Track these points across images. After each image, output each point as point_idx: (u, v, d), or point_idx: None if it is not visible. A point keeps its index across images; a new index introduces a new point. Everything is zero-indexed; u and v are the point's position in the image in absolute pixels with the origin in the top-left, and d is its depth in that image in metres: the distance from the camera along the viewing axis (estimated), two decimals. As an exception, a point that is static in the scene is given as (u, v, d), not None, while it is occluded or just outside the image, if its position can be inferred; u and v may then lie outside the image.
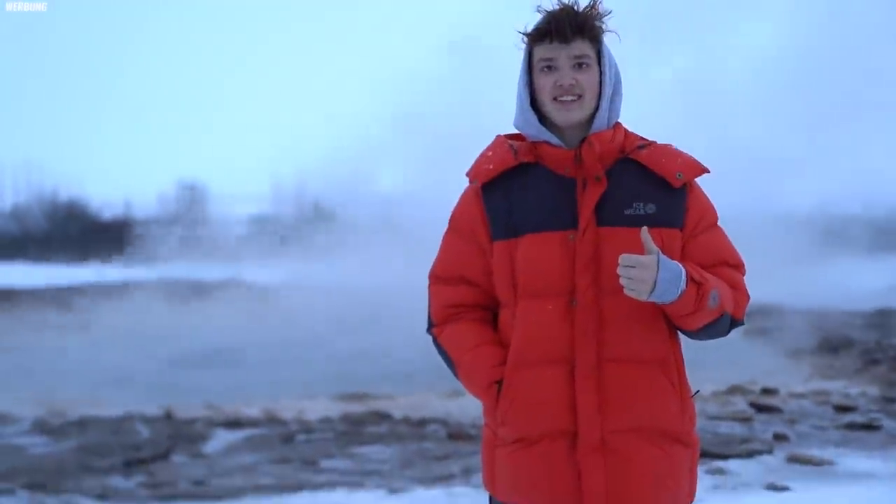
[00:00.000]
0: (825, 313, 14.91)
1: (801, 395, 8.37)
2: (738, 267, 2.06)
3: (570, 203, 1.96)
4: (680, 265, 1.87)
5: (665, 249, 1.92)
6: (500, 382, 1.99)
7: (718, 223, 2.07)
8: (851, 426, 6.75)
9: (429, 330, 2.14)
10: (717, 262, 2.01)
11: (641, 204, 1.96)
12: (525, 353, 1.96)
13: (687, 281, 1.86)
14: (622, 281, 1.85)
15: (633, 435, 1.94)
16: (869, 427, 6.68)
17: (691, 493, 2.04)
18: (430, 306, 2.14)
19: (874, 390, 8.65)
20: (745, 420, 7.14)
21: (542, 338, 1.95)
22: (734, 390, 8.73)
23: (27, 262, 32.41)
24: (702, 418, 7.13)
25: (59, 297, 20.12)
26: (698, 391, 2.08)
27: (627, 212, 1.95)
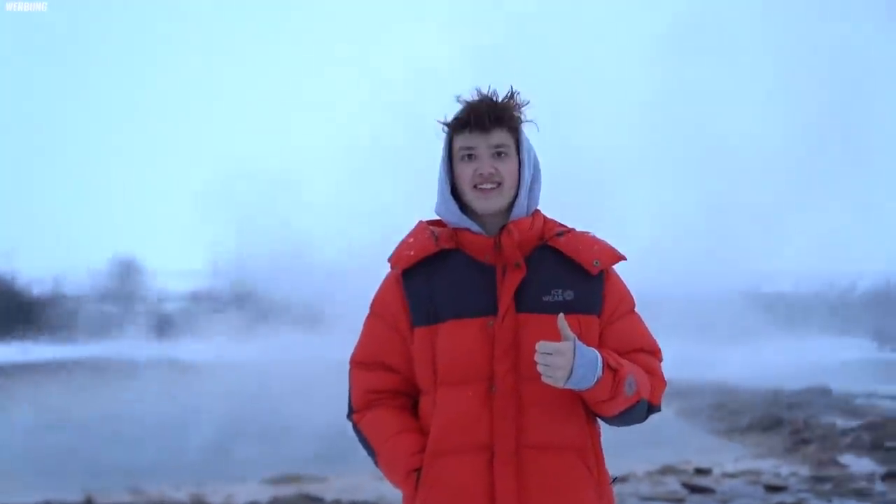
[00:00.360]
0: (755, 391, 15.12)
1: (732, 475, 8.39)
2: (655, 353, 2.08)
3: (490, 289, 1.97)
4: (596, 352, 1.88)
5: (583, 336, 1.94)
6: (418, 471, 1.97)
7: (635, 309, 2.09)
8: (782, 506, 6.77)
9: (349, 416, 2.12)
10: (634, 349, 2.03)
11: (560, 290, 1.97)
12: (444, 441, 1.94)
13: (603, 367, 1.87)
14: (539, 368, 1.85)
15: None
16: (799, 507, 6.71)
17: None
18: (350, 392, 2.12)
19: (804, 470, 8.72)
20: (678, 501, 7.12)
21: (461, 425, 1.93)
22: (667, 470, 8.72)
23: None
24: (634, 499, 7.10)
25: (-19, 376, 19.41)
26: (616, 479, 2.07)
27: (546, 298, 1.96)
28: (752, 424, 11.87)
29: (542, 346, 1.85)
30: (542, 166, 2.10)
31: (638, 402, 1.95)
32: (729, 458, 9.78)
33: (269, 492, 8.38)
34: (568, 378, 1.84)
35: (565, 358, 1.83)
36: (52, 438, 12.59)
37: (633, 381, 1.92)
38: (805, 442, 10.48)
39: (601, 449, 2.03)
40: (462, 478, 1.92)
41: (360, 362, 2.09)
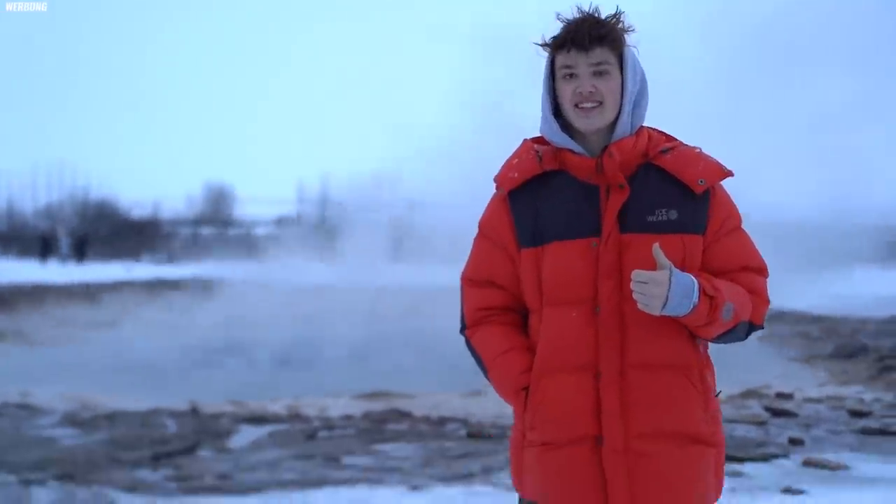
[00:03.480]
0: (839, 319, 14.79)
1: (816, 400, 8.27)
2: (761, 271, 2.04)
3: (594, 210, 1.96)
4: (693, 278, 1.88)
5: (687, 255, 1.93)
6: (527, 388, 2.01)
7: (742, 226, 2.05)
8: (866, 431, 6.66)
9: (462, 331, 2.16)
10: (738, 267, 2.00)
11: (664, 210, 1.95)
12: (550, 360, 1.97)
13: (699, 294, 1.87)
14: (635, 296, 1.86)
15: (657, 438, 1.94)
16: (884, 432, 6.59)
17: (718, 492, 2.04)
18: (462, 308, 2.16)
19: (889, 396, 8.54)
20: (761, 423, 7.07)
21: (566, 345, 1.96)
22: (749, 394, 8.65)
23: (59, 260, 32.63)
24: (717, 421, 7.08)
25: (90, 293, 20.27)
26: (721, 392, 2.08)
27: (650, 218, 1.94)
28: (836, 352, 11.65)
29: (637, 274, 1.85)
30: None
31: (736, 325, 1.95)
32: (811, 384, 9.65)
33: (360, 406, 8.62)
34: (663, 306, 1.84)
35: (661, 286, 1.83)
36: (157, 351, 13.17)
37: (731, 306, 1.91)
38: (889, 369, 10.23)
39: (707, 364, 2.03)
40: (568, 396, 1.95)
41: (471, 279, 2.13)
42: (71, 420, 7.51)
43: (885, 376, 9.92)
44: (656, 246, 1.87)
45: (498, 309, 2.09)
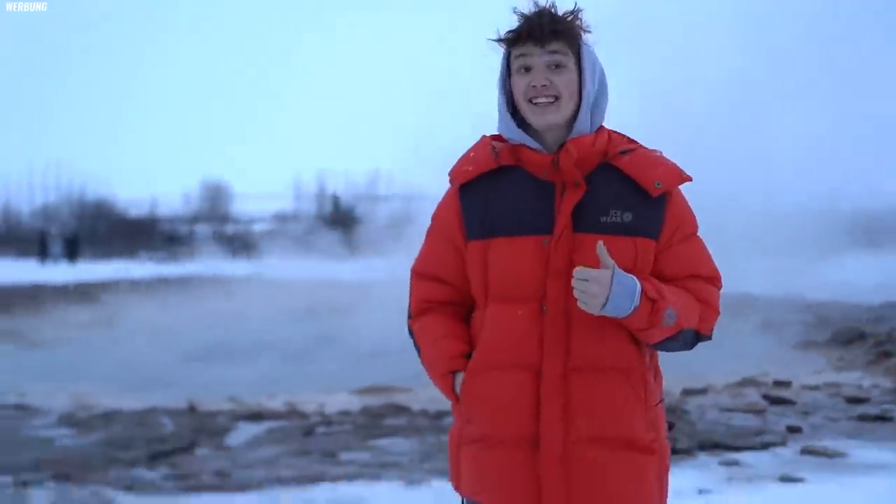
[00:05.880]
0: (834, 306, 14.75)
1: (813, 387, 8.25)
2: (712, 279, 2.00)
3: (548, 208, 1.91)
4: (636, 280, 1.83)
5: (639, 259, 1.89)
6: (455, 373, 1.97)
7: (697, 233, 2.01)
8: (864, 417, 6.64)
9: (407, 321, 2.14)
10: (689, 275, 1.96)
11: (619, 211, 1.90)
12: (492, 356, 1.93)
13: (641, 297, 1.82)
14: (575, 293, 1.81)
15: (596, 444, 1.89)
16: (882, 418, 6.57)
17: (662, 502, 1.99)
18: (409, 299, 2.14)
19: (887, 382, 8.52)
20: (759, 412, 7.04)
21: (509, 342, 1.91)
22: (746, 382, 8.63)
23: (52, 260, 32.53)
24: (715, 410, 7.06)
25: (87, 292, 20.20)
26: (661, 400, 2.01)
27: (604, 219, 1.90)
28: (833, 338, 11.61)
29: (579, 272, 1.80)
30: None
31: (679, 332, 1.89)
32: (808, 372, 9.62)
33: (358, 402, 8.58)
34: (603, 306, 1.80)
35: (601, 286, 1.78)
36: (154, 349, 13.11)
37: (674, 313, 1.85)
38: (887, 355, 10.21)
39: (651, 370, 1.97)
40: (508, 394, 1.91)
41: (418, 272, 2.11)
42: (67, 420, 7.46)
43: (883, 362, 9.89)
44: (601, 244, 1.82)
45: (440, 302, 2.07)
